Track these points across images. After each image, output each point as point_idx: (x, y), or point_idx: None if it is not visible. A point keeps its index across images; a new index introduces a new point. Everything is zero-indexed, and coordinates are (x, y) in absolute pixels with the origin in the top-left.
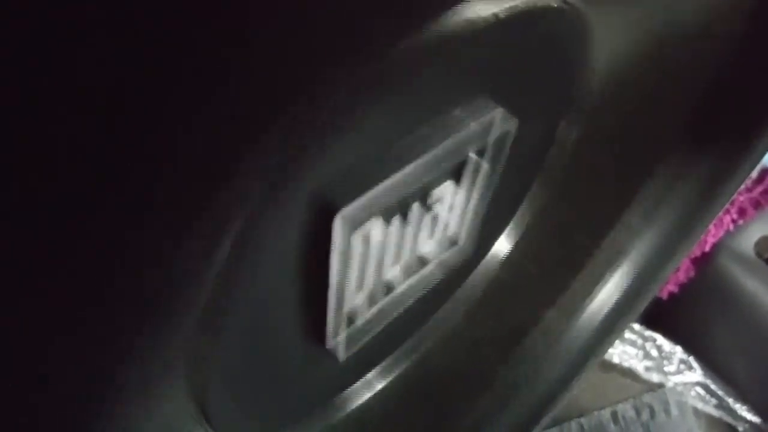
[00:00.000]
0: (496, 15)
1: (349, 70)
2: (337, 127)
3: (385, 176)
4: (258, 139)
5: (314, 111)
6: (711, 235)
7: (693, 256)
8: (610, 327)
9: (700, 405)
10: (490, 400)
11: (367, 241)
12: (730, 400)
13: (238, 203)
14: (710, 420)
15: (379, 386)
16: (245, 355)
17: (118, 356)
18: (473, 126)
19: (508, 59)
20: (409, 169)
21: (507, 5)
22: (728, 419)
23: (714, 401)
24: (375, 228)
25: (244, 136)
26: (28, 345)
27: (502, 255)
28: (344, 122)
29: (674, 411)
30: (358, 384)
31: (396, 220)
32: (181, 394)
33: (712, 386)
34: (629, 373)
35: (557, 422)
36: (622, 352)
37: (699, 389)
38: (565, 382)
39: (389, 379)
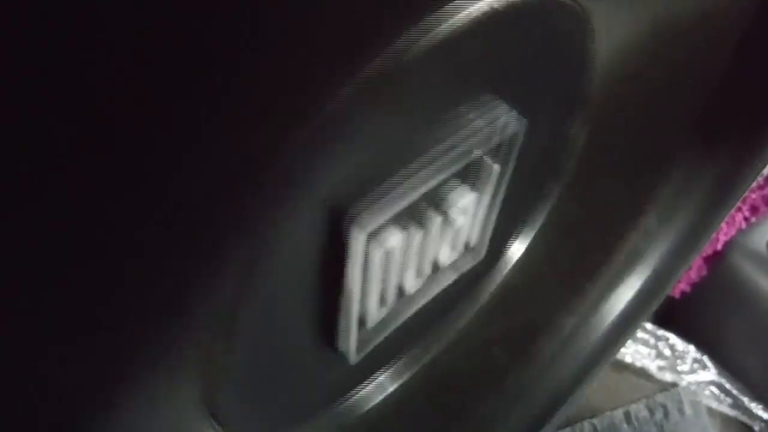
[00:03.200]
0: (497, 10)
1: (355, 71)
2: (350, 133)
3: (399, 182)
4: (271, 147)
5: (325, 116)
6: (723, 233)
7: (705, 254)
8: (623, 327)
9: (714, 404)
10: (501, 401)
11: (381, 245)
12: (745, 399)
13: (252, 210)
14: (725, 419)
15: (391, 388)
16: (257, 357)
17: (132, 357)
18: (485, 128)
19: (514, 57)
20: (422, 173)
21: (511, 1)
22: (743, 418)
23: (729, 400)
24: (389, 233)
25: (258, 145)
26: (47, 344)
27: (515, 258)
28: (355, 128)
29: (688, 410)
30: (370, 386)
31: (410, 225)
32: (192, 394)
33: (727, 385)
34: (642, 373)
35: (570, 423)
36: (634, 352)
37: (713, 388)
38: (577, 382)
39: (401, 380)
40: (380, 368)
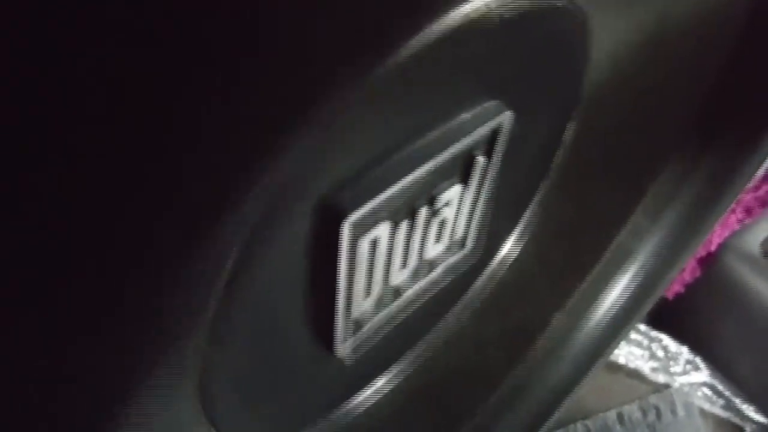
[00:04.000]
0: (499, 15)
1: (355, 77)
2: (345, 134)
3: (393, 181)
4: (266, 148)
5: (322, 119)
6: (717, 235)
7: (699, 255)
8: (617, 328)
9: (707, 406)
10: (496, 401)
11: (374, 246)
12: (738, 401)
13: (246, 211)
14: (717, 420)
15: (386, 387)
16: (252, 361)
17: (129, 361)
18: (480, 128)
19: (513, 59)
20: (416, 173)
21: (510, 4)
22: (735, 420)
23: (721, 402)
24: (383, 233)
25: (253, 144)
26: (51, 350)
27: (509, 257)
28: (351, 129)
29: (681, 412)
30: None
31: (404, 225)
32: (188, 398)
33: (719, 387)
34: (635, 374)
35: (563, 424)
36: (628, 353)
37: (706, 390)
38: (570, 383)
39: (396, 380)
40: (379, 373)
